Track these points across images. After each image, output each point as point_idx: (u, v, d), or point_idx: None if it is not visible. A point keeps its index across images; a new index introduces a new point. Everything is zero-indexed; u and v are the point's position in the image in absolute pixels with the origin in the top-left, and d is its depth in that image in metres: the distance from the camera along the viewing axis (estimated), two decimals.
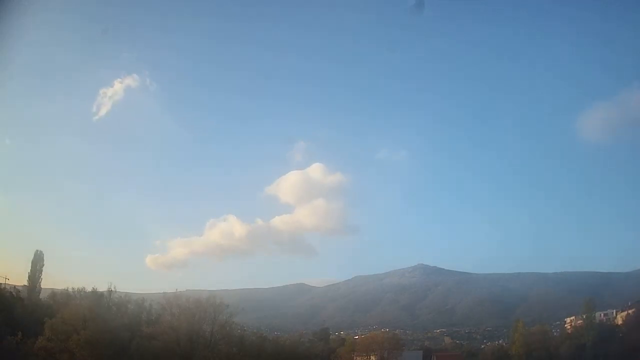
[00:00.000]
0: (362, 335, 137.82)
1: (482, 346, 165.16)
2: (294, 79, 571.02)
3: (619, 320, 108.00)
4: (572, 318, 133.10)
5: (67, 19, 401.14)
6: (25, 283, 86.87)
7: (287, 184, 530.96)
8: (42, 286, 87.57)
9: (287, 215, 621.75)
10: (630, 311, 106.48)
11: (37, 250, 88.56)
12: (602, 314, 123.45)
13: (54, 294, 79.13)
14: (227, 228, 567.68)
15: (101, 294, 72.36)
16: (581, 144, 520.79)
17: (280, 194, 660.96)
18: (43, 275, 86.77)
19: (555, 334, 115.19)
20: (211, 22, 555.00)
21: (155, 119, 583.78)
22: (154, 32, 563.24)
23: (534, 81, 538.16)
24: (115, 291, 74.28)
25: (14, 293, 78.66)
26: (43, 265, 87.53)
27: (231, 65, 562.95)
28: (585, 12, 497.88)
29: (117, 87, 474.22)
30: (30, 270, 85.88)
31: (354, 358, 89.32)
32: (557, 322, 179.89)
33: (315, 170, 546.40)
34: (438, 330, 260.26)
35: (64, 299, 72.80)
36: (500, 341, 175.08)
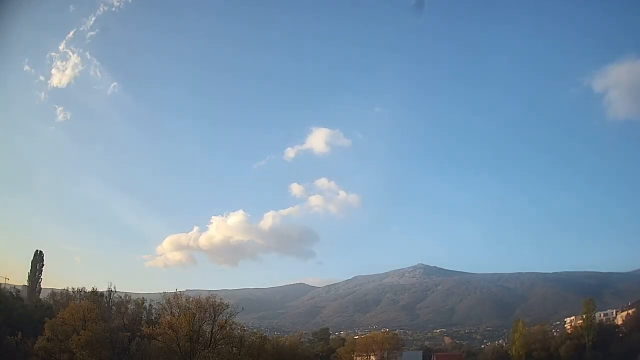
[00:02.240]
0: (362, 335, 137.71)
1: (482, 346, 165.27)
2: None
3: (619, 320, 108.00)
4: (572, 318, 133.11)
5: None
6: (25, 283, 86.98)
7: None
8: (42, 286, 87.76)
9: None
10: (630, 311, 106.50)
11: (37, 250, 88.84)
12: (602, 314, 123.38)
13: (54, 294, 79.14)
14: (227, 227, 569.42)
15: (101, 294, 72.40)
16: (582, 144, 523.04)
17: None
18: (43, 275, 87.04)
19: (555, 334, 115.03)
20: (214, 24, 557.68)
21: (153, 119, 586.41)
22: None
23: (536, 79, 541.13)
24: (115, 291, 74.38)
25: (14, 293, 78.67)
26: (43, 265, 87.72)
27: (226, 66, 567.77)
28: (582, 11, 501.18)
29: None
30: (30, 270, 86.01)
31: (354, 358, 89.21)
32: (557, 322, 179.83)
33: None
34: (438, 330, 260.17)
35: (64, 299, 72.81)
36: (500, 341, 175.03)
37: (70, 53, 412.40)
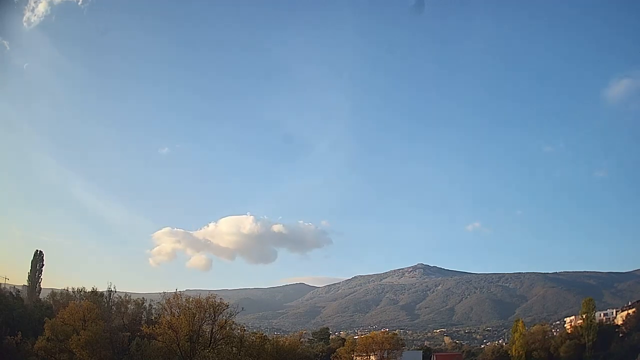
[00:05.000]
0: (362, 335, 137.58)
1: (482, 346, 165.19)
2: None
3: (619, 320, 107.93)
4: (572, 318, 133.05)
5: None
6: (25, 283, 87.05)
7: None
8: (42, 286, 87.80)
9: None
10: (630, 311, 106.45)
11: (37, 250, 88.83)
12: (602, 314, 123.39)
13: (54, 294, 79.16)
14: (227, 226, 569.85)
15: (101, 294, 72.43)
16: (582, 145, 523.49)
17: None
18: (43, 275, 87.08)
19: (555, 333, 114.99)
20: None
21: (157, 123, 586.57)
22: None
23: (538, 82, 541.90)
24: (115, 291, 74.43)
25: (13, 293, 78.78)
26: (43, 265, 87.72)
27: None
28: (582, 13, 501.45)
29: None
30: (30, 270, 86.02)
31: (354, 358, 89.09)
32: (557, 322, 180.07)
33: None
34: (438, 330, 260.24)
35: (64, 299, 72.85)
36: (500, 341, 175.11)
37: None
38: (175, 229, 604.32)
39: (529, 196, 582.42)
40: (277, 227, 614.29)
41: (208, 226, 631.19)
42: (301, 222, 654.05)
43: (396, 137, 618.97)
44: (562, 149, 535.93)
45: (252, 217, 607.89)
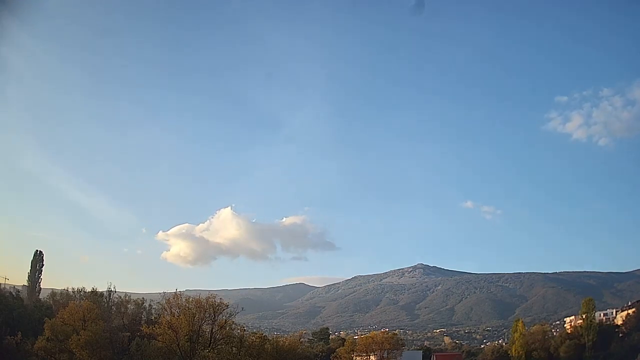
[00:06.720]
0: (362, 335, 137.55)
1: (482, 346, 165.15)
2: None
3: (619, 320, 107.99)
4: (572, 318, 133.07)
5: None
6: (25, 283, 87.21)
7: None
8: (42, 286, 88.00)
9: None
10: (630, 311, 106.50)
11: (37, 250, 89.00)
12: (602, 314, 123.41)
13: (54, 294, 79.25)
14: (225, 225, 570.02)
15: (101, 294, 72.47)
16: (582, 146, 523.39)
17: None
18: (43, 275, 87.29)
19: (555, 334, 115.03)
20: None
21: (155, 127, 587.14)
22: None
23: (536, 86, 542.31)
24: (115, 291, 74.48)
25: (13, 293, 78.85)
26: (43, 265, 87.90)
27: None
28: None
29: None
30: (30, 270, 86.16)
31: (354, 358, 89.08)
32: (557, 322, 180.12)
33: None
34: (438, 330, 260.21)
35: (64, 299, 72.90)
36: (500, 341, 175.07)
37: None
38: (173, 227, 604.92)
39: (530, 197, 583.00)
40: (272, 223, 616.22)
41: (204, 223, 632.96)
42: (294, 216, 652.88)
43: (389, 131, 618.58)
44: (575, 99, 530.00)
45: (245, 212, 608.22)
